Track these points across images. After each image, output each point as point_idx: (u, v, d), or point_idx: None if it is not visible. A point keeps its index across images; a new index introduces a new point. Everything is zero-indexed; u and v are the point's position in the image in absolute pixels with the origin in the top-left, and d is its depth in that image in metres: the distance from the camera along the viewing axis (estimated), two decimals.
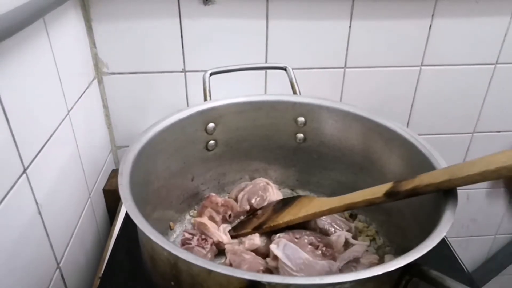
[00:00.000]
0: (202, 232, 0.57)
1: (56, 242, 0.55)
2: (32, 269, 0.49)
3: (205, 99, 0.64)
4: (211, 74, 0.65)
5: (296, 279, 0.39)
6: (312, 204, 0.56)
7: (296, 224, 0.55)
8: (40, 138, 0.52)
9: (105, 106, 0.81)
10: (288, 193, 0.70)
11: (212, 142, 0.63)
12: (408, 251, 0.36)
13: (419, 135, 0.54)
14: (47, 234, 0.53)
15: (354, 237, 0.57)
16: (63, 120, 0.59)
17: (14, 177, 0.45)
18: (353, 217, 0.64)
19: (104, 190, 0.78)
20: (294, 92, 0.67)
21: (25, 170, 0.47)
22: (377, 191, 0.47)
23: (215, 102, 0.61)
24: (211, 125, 0.61)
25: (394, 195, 0.45)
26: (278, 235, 0.53)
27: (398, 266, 0.34)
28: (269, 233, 0.56)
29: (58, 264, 0.56)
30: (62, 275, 0.57)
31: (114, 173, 0.83)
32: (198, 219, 0.59)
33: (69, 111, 0.62)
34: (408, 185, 0.44)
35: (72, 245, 0.60)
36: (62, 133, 0.59)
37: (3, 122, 0.43)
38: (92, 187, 0.72)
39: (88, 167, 0.69)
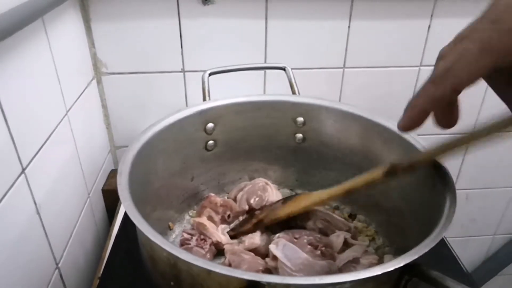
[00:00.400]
0: (201, 232, 0.57)
1: (55, 242, 0.55)
2: (31, 269, 0.49)
3: (204, 99, 0.64)
4: (210, 74, 0.65)
5: (296, 279, 0.39)
6: (311, 197, 0.56)
7: (295, 224, 0.55)
8: (39, 138, 0.52)
9: (104, 106, 0.81)
10: (287, 193, 0.70)
11: (211, 142, 0.63)
12: (407, 251, 0.36)
13: (418, 135, 0.54)
14: (46, 234, 0.52)
15: (354, 237, 0.57)
16: (61, 120, 0.59)
17: (13, 177, 0.45)
18: (352, 217, 0.64)
19: (103, 190, 0.78)
20: (293, 92, 0.67)
21: (23, 170, 0.47)
22: (376, 172, 0.48)
23: (214, 102, 0.61)
24: (210, 125, 0.61)
25: (392, 174, 0.46)
26: (277, 235, 0.53)
27: (397, 266, 0.34)
28: (269, 233, 0.55)
29: (57, 264, 0.56)
30: (61, 275, 0.57)
31: (113, 173, 0.83)
32: (197, 219, 0.59)
33: (67, 111, 0.61)
34: (404, 162, 0.45)
35: (71, 245, 0.60)
36: (61, 133, 0.58)
37: (2, 122, 0.43)
38: (91, 187, 0.72)
39: (87, 167, 0.69)
